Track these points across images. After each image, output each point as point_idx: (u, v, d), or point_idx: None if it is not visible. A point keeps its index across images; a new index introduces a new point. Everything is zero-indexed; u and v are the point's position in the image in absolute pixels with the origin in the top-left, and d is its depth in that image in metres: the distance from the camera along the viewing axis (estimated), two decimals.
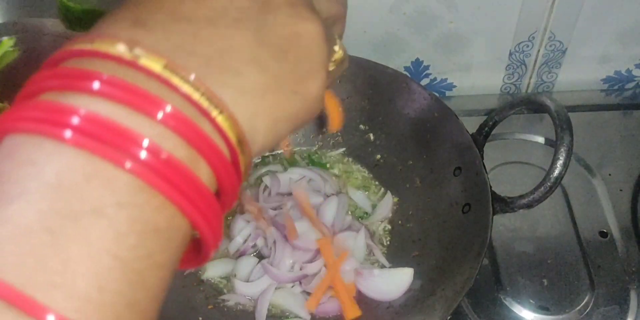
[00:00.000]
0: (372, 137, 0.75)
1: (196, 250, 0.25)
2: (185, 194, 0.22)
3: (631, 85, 0.89)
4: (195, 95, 0.22)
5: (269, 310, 0.65)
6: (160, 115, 0.22)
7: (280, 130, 0.26)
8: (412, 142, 0.72)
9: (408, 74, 0.84)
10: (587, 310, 0.67)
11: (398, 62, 0.83)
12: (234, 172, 0.24)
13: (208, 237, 0.24)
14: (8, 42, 0.55)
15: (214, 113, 0.23)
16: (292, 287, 0.66)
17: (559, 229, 0.73)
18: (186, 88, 0.22)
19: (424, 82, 0.87)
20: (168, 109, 0.22)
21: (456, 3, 0.75)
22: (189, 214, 0.22)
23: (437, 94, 0.70)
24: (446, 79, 0.87)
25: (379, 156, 0.75)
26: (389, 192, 0.73)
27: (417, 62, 0.84)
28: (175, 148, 0.22)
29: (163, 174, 0.21)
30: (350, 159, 0.76)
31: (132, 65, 0.22)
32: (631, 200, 0.75)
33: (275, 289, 0.65)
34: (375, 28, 0.78)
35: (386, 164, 0.74)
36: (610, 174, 0.78)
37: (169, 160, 0.22)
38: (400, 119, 0.72)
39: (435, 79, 0.87)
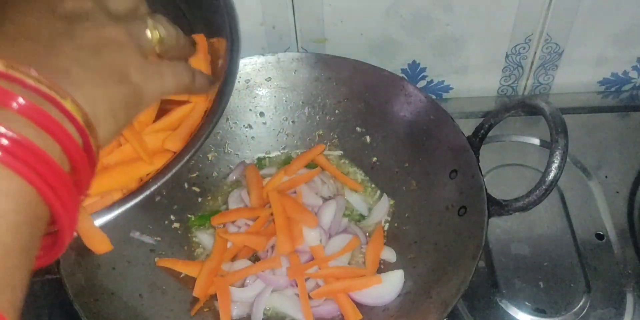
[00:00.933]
0: (368, 139, 0.75)
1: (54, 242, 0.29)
2: (39, 172, 0.26)
3: (628, 87, 0.89)
4: (42, 87, 0.27)
5: (264, 313, 0.65)
6: (14, 105, 0.26)
7: (119, 115, 0.32)
8: (408, 144, 0.72)
9: (404, 77, 0.84)
10: (584, 312, 0.67)
11: (394, 65, 0.83)
12: (84, 152, 0.29)
13: (60, 214, 0.28)
14: None
15: (60, 99, 0.28)
16: (287, 289, 0.66)
17: (555, 231, 0.73)
18: (31, 81, 0.27)
19: (421, 84, 0.87)
20: (20, 100, 0.26)
21: (452, 5, 0.75)
22: (43, 191, 0.26)
23: (433, 97, 0.70)
24: (443, 81, 0.87)
25: (375, 159, 0.75)
26: (385, 194, 0.73)
27: (414, 65, 0.84)
28: (29, 133, 0.26)
29: (18, 156, 0.25)
30: (347, 161, 0.76)
31: None
32: (627, 203, 0.75)
33: (271, 292, 0.65)
34: (372, 31, 0.78)
35: (382, 167, 0.74)
36: (606, 176, 0.78)
37: (23, 143, 0.26)
38: (397, 122, 0.72)
39: (431, 81, 0.87)
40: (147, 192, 0.42)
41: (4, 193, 0.26)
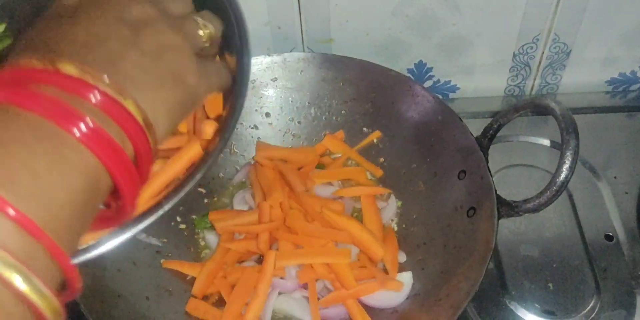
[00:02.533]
0: (375, 140, 0.74)
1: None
2: (113, 159, 0.30)
3: (636, 86, 0.89)
4: (109, 90, 0.31)
5: (272, 316, 0.64)
6: (92, 99, 0.30)
7: (175, 115, 0.35)
8: (415, 145, 0.71)
9: (411, 77, 0.84)
10: (593, 314, 0.66)
11: (401, 65, 0.83)
12: (147, 146, 0.33)
13: (125, 190, 0.32)
14: None
15: (124, 102, 0.31)
16: (295, 292, 0.65)
17: (564, 232, 0.73)
18: (101, 85, 0.31)
19: (427, 84, 0.86)
20: (97, 95, 0.30)
21: (459, 5, 0.75)
22: (117, 175, 0.31)
23: (440, 97, 0.69)
24: (449, 81, 0.86)
25: (382, 159, 0.74)
26: (392, 195, 0.72)
27: (420, 65, 0.83)
28: (103, 123, 0.30)
29: (94, 139, 0.30)
30: (354, 162, 0.75)
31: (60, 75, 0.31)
32: (637, 203, 0.75)
33: (278, 294, 0.65)
34: (378, 31, 0.78)
35: (390, 167, 0.73)
36: (615, 177, 0.77)
37: (99, 131, 0.30)
38: (404, 122, 0.72)
39: (438, 81, 0.86)
40: (160, 212, 0.43)
41: (78, 169, 0.29)
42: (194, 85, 0.36)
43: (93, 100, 0.30)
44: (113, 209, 0.35)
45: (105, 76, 0.31)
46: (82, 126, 0.29)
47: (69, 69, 0.31)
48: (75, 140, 0.29)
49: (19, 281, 0.27)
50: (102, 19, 0.34)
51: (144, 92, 0.33)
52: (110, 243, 0.41)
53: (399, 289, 0.63)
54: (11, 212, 0.27)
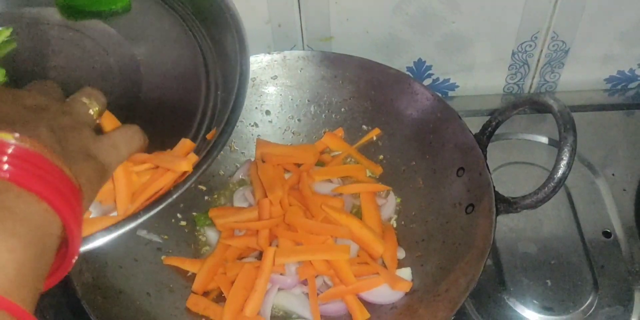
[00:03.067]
0: (375, 137, 0.75)
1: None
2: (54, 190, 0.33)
3: (634, 84, 0.89)
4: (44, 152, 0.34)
5: (272, 312, 0.65)
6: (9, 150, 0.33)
7: (94, 185, 0.39)
8: (415, 142, 0.72)
9: (411, 75, 0.84)
10: (591, 310, 0.67)
11: (401, 63, 0.83)
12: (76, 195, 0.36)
13: (70, 225, 0.34)
14: (4, 32, 0.55)
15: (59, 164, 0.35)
16: (295, 288, 0.66)
17: (562, 229, 0.73)
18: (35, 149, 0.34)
19: (427, 82, 0.87)
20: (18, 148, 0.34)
21: (459, 3, 0.75)
22: (58, 207, 0.33)
23: (439, 95, 0.70)
24: (449, 79, 0.87)
25: (381, 157, 0.75)
26: (392, 192, 0.73)
27: (420, 63, 0.84)
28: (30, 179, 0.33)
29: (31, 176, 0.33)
30: (353, 160, 0.75)
31: None
32: (635, 200, 0.75)
33: (278, 290, 0.65)
34: (378, 29, 0.78)
35: (389, 165, 0.74)
36: (613, 174, 0.78)
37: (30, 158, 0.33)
38: (403, 120, 0.72)
39: (437, 79, 0.87)
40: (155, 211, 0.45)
41: (20, 217, 0.32)
42: (99, 158, 0.40)
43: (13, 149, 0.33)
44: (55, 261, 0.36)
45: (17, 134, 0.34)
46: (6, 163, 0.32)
47: None
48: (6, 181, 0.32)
49: None
50: (4, 103, 0.38)
51: (66, 164, 0.36)
52: (103, 239, 0.43)
53: (407, 289, 0.64)
54: None
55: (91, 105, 0.44)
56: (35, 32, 0.55)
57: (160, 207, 0.45)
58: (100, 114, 0.44)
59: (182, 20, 0.56)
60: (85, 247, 0.42)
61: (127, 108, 0.51)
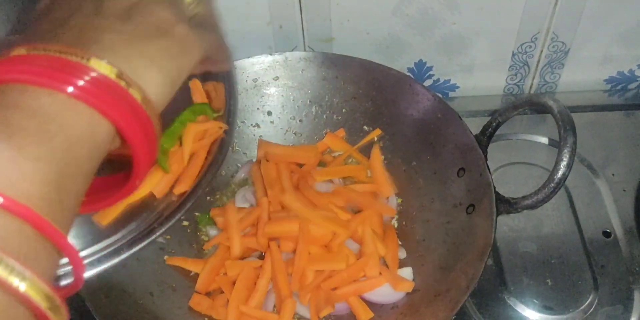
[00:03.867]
0: (376, 138, 0.75)
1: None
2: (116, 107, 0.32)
3: (634, 85, 0.89)
4: (64, 55, 0.32)
5: (273, 312, 0.65)
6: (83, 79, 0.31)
7: (165, 65, 0.35)
8: (415, 143, 0.72)
9: (411, 75, 0.85)
10: (591, 310, 0.67)
11: (401, 64, 0.83)
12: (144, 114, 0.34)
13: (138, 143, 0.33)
14: None
15: (83, 61, 0.32)
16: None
17: (562, 229, 0.74)
18: (53, 53, 0.32)
19: (427, 83, 0.87)
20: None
21: (459, 4, 0.75)
22: (125, 124, 0.32)
23: (440, 95, 0.70)
24: (449, 80, 0.87)
25: (382, 157, 0.75)
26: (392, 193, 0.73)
27: (420, 64, 0.84)
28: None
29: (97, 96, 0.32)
30: (354, 160, 0.76)
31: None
32: (634, 200, 0.75)
33: None
34: (378, 30, 0.79)
35: (390, 165, 0.74)
36: (613, 174, 0.78)
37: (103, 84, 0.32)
38: (404, 120, 0.73)
39: (438, 80, 0.87)
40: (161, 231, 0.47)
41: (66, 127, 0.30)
42: (179, 34, 0.37)
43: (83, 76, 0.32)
44: (116, 180, 0.35)
45: (56, 45, 0.32)
46: (82, 79, 0.31)
47: (56, 49, 0.32)
48: (65, 97, 0.31)
49: (15, 282, 0.26)
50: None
51: (112, 50, 0.33)
52: (108, 263, 0.43)
53: (409, 289, 0.64)
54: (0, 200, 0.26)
55: None
56: None
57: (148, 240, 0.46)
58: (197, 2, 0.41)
59: None
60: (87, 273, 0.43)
61: None
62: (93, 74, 0.32)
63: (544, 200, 0.57)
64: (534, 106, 0.61)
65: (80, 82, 0.31)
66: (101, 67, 0.32)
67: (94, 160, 0.32)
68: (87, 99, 0.31)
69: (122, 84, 0.33)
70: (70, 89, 0.31)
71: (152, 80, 0.34)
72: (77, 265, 0.31)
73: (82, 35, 0.34)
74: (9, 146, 0.28)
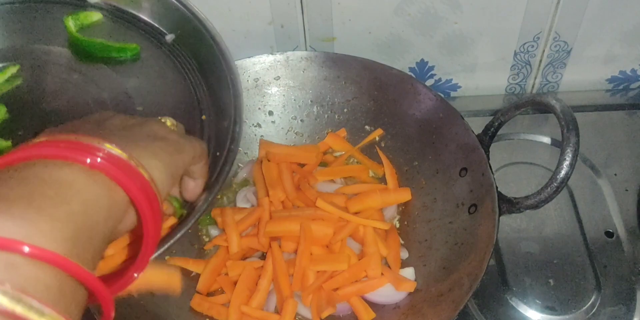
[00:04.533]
0: (377, 138, 0.75)
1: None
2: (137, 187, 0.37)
3: (636, 85, 0.89)
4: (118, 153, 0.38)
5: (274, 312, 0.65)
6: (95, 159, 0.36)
7: (173, 173, 0.43)
8: (417, 142, 0.72)
9: (413, 75, 0.84)
10: (594, 310, 0.67)
11: (403, 63, 0.83)
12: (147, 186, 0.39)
13: (148, 219, 0.38)
14: (12, 69, 0.56)
15: (131, 161, 0.38)
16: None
17: (565, 229, 0.73)
18: (111, 150, 0.38)
19: (429, 82, 0.87)
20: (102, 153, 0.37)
21: (461, 4, 0.75)
22: (136, 195, 0.37)
23: (442, 95, 0.70)
24: (451, 80, 0.87)
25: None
26: None
27: (422, 63, 0.84)
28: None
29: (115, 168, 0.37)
30: (356, 160, 0.76)
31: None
32: (637, 200, 0.75)
33: None
34: (380, 29, 0.78)
35: (392, 165, 0.74)
36: (615, 174, 0.78)
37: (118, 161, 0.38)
38: (406, 120, 0.72)
39: (440, 79, 0.87)
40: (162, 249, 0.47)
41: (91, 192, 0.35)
42: (175, 139, 0.45)
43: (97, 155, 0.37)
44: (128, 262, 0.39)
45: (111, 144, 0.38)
46: (98, 155, 0.36)
47: (87, 139, 0.37)
48: (87, 167, 0.35)
49: (35, 318, 0.29)
50: (107, 124, 0.45)
51: (154, 159, 0.41)
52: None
53: (411, 289, 0.64)
54: (26, 249, 0.29)
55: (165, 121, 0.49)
56: (40, 69, 0.57)
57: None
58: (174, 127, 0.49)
59: (181, 68, 0.58)
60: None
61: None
62: (107, 152, 0.37)
63: (546, 200, 0.57)
64: (536, 106, 0.61)
65: (97, 156, 0.36)
66: (113, 149, 0.37)
67: (109, 222, 0.36)
68: (103, 168, 0.36)
69: (132, 162, 0.38)
70: (89, 160, 0.35)
71: (156, 167, 0.40)
72: (106, 303, 0.34)
73: (92, 135, 0.39)
74: (30, 209, 0.31)
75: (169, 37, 0.59)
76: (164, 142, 0.43)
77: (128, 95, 0.55)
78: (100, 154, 0.36)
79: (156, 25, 0.60)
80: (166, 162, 0.42)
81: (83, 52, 0.57)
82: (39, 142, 0.37)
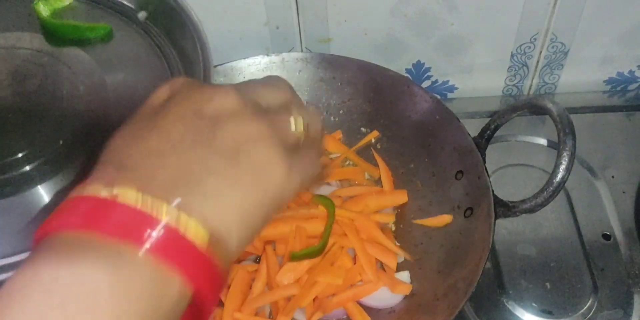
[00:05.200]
0: (373, 140, 0.75)
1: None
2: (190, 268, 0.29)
3: (634, 86, 0.89)
4: (166, 218, 0.29)
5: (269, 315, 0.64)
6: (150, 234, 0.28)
7: (252, 220, 0.31)
8: (413, 145, 0.71)
9: (409, 76, 0.84)
10: (591, 313, 0.66)
11: (399, 65, 0.83)
12: (209, 268, 0.29)
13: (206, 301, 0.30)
14: None
15: (180, 227, 0.29)
16: None
17: (561, 231, 0.73)
18: (165, 217, 0.29)
19: (426, 84, 0.86)
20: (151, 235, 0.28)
21: (457, 5, 0.75)
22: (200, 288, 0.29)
23: (438, 97, 0.70)
24: (448, 81, 0.87)
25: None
26: None
27: (419, 65, 0.83)
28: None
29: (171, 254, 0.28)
30: (352, 162, 0.75)
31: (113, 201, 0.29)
32: (634, 203, 0.75)
33: None
34: (377, 30, 0.78)
35: (388, 167, 0.73)
36: (613, 176, 0.78)
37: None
38: (402, 122, 0.72)
39: (436, 81, 0.86)
40: None
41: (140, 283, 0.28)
42: (280, 180, 0.32)
43: (145, 243, 0.28)
44: None
45: (165, 204, 0.29)
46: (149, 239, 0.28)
47: (130, 196, 0.29)
48: (140, 253, 0.28)
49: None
50: (178, 118, 0.32)
51: (214, 199, 0.30)
52: None
53: (407, 291, 0.64)
54: None
55: (297, 116, 0.35)
56: (9, 55, 0.55)
57: None
58: (305, 131, 0.36)
59: (158, 50, 0.57)
60: None
61: (93, 137, 0.49)
62: (165, 224, 0.28)
63: (542, 204, 0.57)
64: (533, 108, 0.60)
65: (150, 239, 0.28)
66: (194, 232, 0.29)
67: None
68: (156, 258, 0.28)
69: (199, 240, 0.29)
70: (140, 253, 0.28)
71: (238, 236, 0.31)
72: None
73: (183, 176, 0.30)
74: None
75: (142, 15, 0.57)
76: (262, 186, 0.32)
77: (102, 78, 0.54)
78: (155, 234, 0.28)
79: (126, 3, 0.58)
80: (249, 223, 0.31)
81: (55, 36, 0.56)
82: (92, 201, 0.29)
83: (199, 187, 0.30)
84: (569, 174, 0.55)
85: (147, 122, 0.32)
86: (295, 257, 0.62)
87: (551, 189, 0.55)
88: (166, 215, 0.29)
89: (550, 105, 0.57)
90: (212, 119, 0.32)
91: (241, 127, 0.32)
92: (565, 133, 0.55)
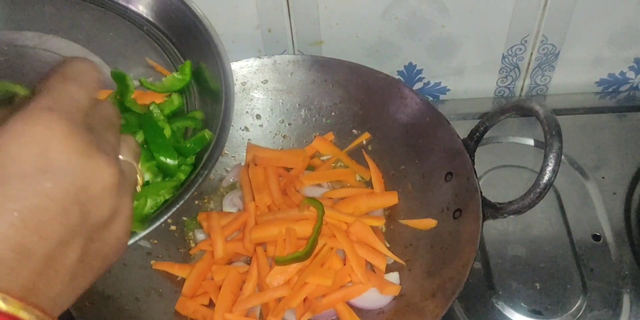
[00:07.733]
0: (364, 142, 0.75)
1: None
2: None
3: (625, 87, 0.89)
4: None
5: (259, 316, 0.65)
6: None
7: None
8: (404, 147, 0.72)
9: (401, 79, 0.84)
10: (580, 313, 0.67)
11: (391, 67, 0.83)
12: None
13: None
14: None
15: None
16: None
17: (551, 232, 0.73)
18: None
19: (418, 86, 0.87)
20: None
21: (448, 7, 0.75)
22: None
23: (430, 98, 0.70)
24: (440, 83, 0.87)
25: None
26: None
27: (410, 67, 0.84)
28: None
29: None
30: (343, 164, 0.76)
31: None
32: (624, 204, 0.75)
33: None
34: (368, 33, 0.78)
35: (379, 169, 0.74)
36: (603, 177, 0.78)
37: None
38: (393, 124, 0.72)
39: (428, 83, 0.87)
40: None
41: None
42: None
43: None
44: None
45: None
46: None
47: None
48: None
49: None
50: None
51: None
52: None
53: (396, 292, 0.64)
54: None
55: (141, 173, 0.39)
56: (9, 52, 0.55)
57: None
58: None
59: (161, 50, 0.56)
60: None
61: None
62: None
63: (530, 206, 0.57)
64: (520, 111, 0.61)
65: None
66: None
67: None
68: None
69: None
70: None
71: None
72: None
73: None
74: None
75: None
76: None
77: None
78: None
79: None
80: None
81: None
82: None
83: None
84: (556, 175, 0.56)
85: None
86: (281, 262, 0.62)
87: (538, 190, 0.56)
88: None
89: (537, 108, 0.57)
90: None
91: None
92: (551, 135, 0.55)
